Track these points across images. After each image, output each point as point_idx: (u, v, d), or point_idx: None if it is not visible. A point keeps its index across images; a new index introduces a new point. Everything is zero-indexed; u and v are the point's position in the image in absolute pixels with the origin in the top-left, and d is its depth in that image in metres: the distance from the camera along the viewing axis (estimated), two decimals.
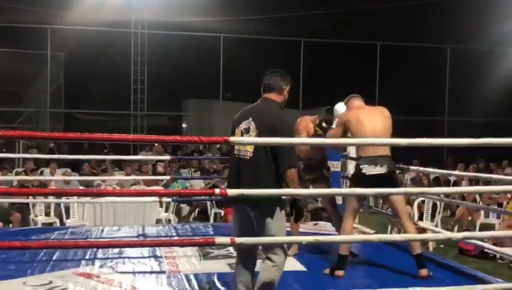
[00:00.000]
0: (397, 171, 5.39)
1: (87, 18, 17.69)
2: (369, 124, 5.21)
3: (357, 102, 5.55)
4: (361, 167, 5.10)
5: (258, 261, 4.13)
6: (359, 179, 5.06)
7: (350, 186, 5.86)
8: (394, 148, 5.22)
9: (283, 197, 3.95)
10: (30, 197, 8.31)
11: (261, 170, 3.91)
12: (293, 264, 5.33)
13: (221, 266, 5.33)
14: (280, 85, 4.14)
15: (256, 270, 4.12)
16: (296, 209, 4.00)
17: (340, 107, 5.79)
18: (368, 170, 5.05)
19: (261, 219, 3.92)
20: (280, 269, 3.97)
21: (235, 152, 4.04)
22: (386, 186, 4.64)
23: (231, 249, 5.87)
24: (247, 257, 4.10)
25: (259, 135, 3.91)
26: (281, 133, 3.84)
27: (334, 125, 5.71)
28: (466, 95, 19.89)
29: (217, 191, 3.57)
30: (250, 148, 3.94)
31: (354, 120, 5.27)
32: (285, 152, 3.90)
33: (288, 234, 6.19)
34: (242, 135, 4.00)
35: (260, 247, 4.08)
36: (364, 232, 7.26)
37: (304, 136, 5.81)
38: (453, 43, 20.55)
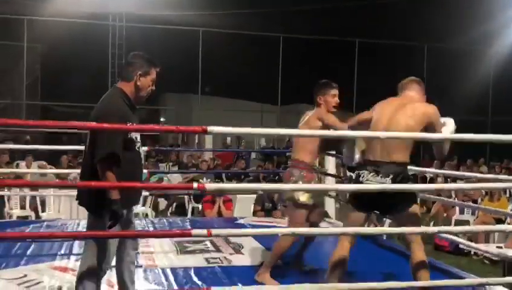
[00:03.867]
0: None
1: (64, 9, 17.52)
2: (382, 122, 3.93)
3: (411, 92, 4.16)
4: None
5: None
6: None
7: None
8: None
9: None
10: (5, 189, 8.23)
11: (88, 165, 3.40)
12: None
13: (198, 260, 5.31)
14: (129, 72, 3.51)
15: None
16: (112, 215, 3.31)
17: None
18: None
19: (89, 218, 3.56)
20: (89, 269, 3.46)
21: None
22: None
23: (208, 243, 5.89)
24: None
25: None
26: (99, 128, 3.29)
27: None
28: (443, 93, 20.10)
29: (195, 185, 3.48)
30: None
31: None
32: (99, 141, 3.27)
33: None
34: None
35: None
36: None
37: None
38: (430, 41, 20.74)
